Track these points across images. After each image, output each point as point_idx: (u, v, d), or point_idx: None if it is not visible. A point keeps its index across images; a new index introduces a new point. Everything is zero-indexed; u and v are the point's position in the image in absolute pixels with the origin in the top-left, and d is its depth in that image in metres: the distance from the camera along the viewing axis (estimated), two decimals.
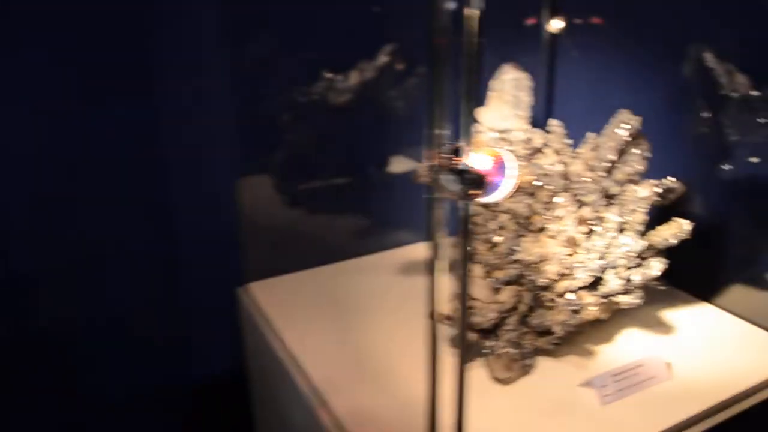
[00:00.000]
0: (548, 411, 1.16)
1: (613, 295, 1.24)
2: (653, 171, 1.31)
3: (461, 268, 0.83)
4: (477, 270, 1.26)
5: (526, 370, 1.27)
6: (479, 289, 1.25)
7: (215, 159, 1.52)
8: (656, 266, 1.25)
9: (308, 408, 1.20)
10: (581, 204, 1.26)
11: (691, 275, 1.52)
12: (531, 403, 1.19)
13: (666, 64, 1.47)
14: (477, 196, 0.77)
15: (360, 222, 1.76)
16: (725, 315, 1.46)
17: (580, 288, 1.23)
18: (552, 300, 1.24)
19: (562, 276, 1.24)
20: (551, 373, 1.27)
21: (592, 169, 1.29)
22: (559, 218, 1.26)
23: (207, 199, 1.55)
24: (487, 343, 1.27)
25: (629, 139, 1.30)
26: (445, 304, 1.07)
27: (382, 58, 1.58)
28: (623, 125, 1.30)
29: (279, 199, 1.61)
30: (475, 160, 0.79)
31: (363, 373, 1.27)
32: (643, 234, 1.26)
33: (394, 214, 1.74)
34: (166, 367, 1.64)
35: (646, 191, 1.24)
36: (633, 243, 1.22)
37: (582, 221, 1.22)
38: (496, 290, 1.25)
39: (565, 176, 1.26)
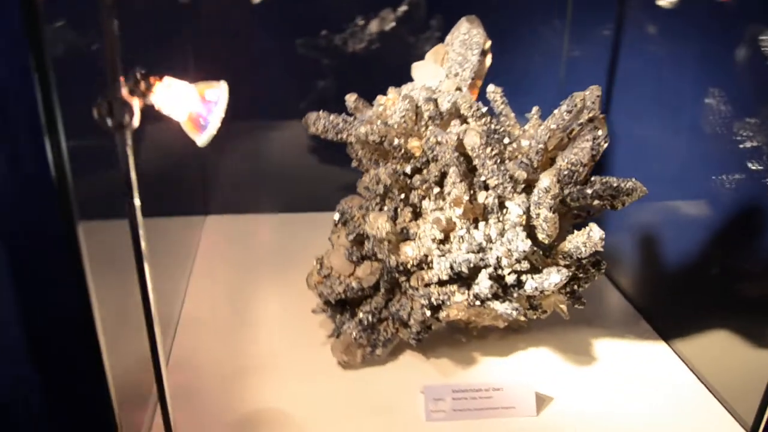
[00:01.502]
0: (364, 409, 1.05)
1: (486, 299, 1.06)
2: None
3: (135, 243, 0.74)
4: (343, 238, 1.14)
5: (372, 359, 1.15)
6: (338, 258, 1.13)
7: None
8: (554, 277, 1.05)
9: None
10: (487, 187, 1.09)
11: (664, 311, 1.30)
12: (354, 394, 1.08)
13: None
14: (125, 128, 0.68)
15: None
16: (675, 362, 1.21)
17: (443, 282, 1.07)
18: (415, 289, 1.09)
19: (422, 264, 1.07)
20: (400, 371, 1.14)
21: (515, 149, 1.12)
22: (440, 196, 1.09)
23: None
24: (339, 318, 1.15)
25: (584, 122, 1.10)
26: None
27: None
28: (571, 105, 1.10)
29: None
30: (174, 93, 0.74)
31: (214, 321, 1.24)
32: (553, 239, 1.07)
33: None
34: None
35: (547, 182, 1.03)
36: (518, 242, 1.02)
37: (458, 203, 1.05)
38: (356, 264, 1.12)
39: (463, 150, 1.08)
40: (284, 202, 1.64)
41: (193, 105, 0.79)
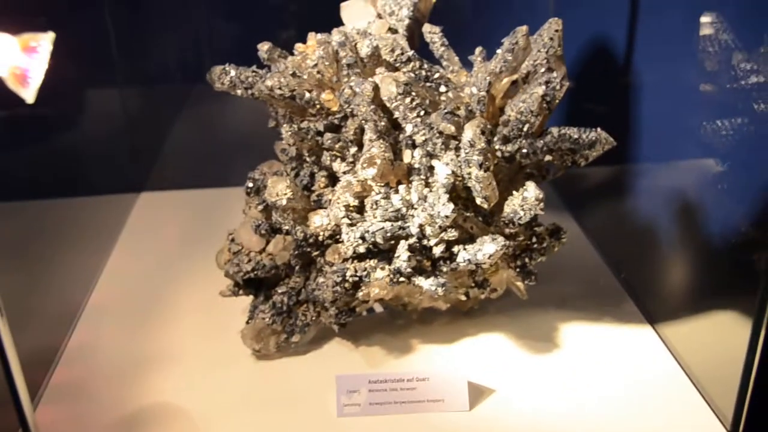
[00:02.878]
0: (268, 403, 0.95)
1: (409, 275, 0.92)
2: None
3: None
4: (254, 209, 1.02)
5: (288, 347, 1.04)
6: (248, 232, 1.01)
7: None
8: (488, 248, 0.91)
9: None
10: (414, 145, 0.95)
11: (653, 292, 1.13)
12: (262, 386, 0.98)
13: None
14: None
15: None
16: (659, 349, 1.05)
17: (362, 256, 0.94)
18: (330, 265, 0.97)
19: (337, 236, 0.95)
20: (321, 360, 1.02)
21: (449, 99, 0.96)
22: (357, 157, 0.96)
23: None
24: (253, 302, 1.04)
25: (543, 64, 0.95)
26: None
27: None
28: (512, 44, 0.95)
29: None
30: None
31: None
32: (492, 203, 0.93)
33: None
34: None
35: (470, 134, 0.89)
36: (439, 206, 0.88)
37: (371, 163, 0.91)
38: (267, 238, 1.00)
39: (382, 102, 0.95)
40: (226, 175, 1.52)
41: (14, 58, 0.72)
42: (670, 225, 1.11)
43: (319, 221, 0.95)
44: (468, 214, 0.94)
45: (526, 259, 1.00)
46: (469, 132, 0.90)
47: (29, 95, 0.73)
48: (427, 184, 0.93)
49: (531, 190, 0.91)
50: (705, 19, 0.98)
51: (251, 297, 1.03)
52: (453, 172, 0.92)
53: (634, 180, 1.25)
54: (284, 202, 0.94)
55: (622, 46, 1.24)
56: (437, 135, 0.94)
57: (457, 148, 0.93)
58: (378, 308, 1.11)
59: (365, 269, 0.94)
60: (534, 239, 1.00)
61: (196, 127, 1.57)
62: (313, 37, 1.03)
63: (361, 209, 0.95)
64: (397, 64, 0.97)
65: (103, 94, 1.45)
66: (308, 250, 0.98)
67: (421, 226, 0.91)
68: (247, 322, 1.03)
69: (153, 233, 1.39)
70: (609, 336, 1.06)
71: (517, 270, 1.01)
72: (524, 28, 0.95)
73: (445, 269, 0.93)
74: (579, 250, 1.29)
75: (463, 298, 1.01)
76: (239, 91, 1.02)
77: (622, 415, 0.91)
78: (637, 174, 1.25)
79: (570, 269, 1.19)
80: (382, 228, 0.91)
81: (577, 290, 1.16)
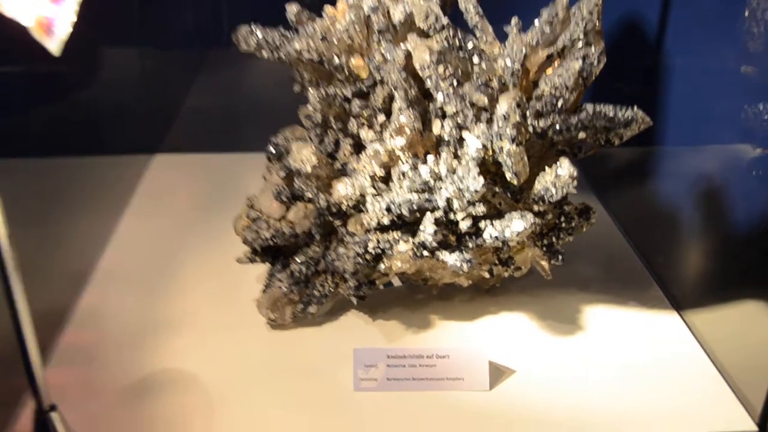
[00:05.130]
0: (283, 373, 0.95)
1: (433, 249, 0.92)
2: None
3: None
4: (276, 175, 1.01)
5: (305, 318, 1.04)
6: (268, 198, 1.01)
7: None
8: (517, 225, 0.90)
9: None
10: (444, 115, 0.95)
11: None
12: (276, 357, 0.98)
13: None
14: None
15: None
16: (685, 335, 1.05)
17: (385, 228, 0.94)
18: (352, 235, 0.96)
19: (361, 206, 0.96)
20: (338, 333, 1.03)
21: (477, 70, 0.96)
22: (386, 126, 0.96)
23: None
24: (270, 270, 1.04)
25: (581, 38, 0.94)
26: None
27: None
28: (551, 16, 0.94)
29: None
30: None
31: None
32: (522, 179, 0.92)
33: None
34: None
35: (504, 107, 0.88)
36: (469, 180, 0.88)
37: (401, 132, 0.91)
38: (288, 205, 1.00)
39: (414, 70, 0.94)
40: (245, 140, 1.50)
41: (41, 7, 0.71)
42: (698, 210, 1.10)
43: (343, 190, 0.95)
44: (497, 190, 0.94)
45: (553, 239, 1.00)
46: (504, 104, 0.89)
47: (54, 46, 0.72)
48: (456, 156, 0.92)
49: (565, 167, 0.90)
50: None
51: (268, 265, 1.03)
52: (484, 145, 0.91)
53: (663, 163, 1.25)
54: (308, 168, 0.94)
55: (655, 23, 1.23)
56: (469, 106, 0.93)
57: (488, 121, 0.92)
58: (397, 282, 1.10)
59: (388, 241, 0.94)
60: (562, 218, 1.00)
61: (215, 90, 1.56)
62: (343, 1, 1.01)
63: (387, 179, 0.95)
64: (431, 32, 0.96)
65: (122, 53, 1.44)
66: (330, 219, 0.98)
67: (448, 199, 0.91)
68: (264, 291, 1.02)
69: (167, 196, 1.39)
70: (633, 320, 1.06)
71: (543, 249, 1.00)
72: (564, 0, 0.94)
73: (470, 245, 0.94)
74: (604, 232, 1.28)
75: (487, 275, 1.01)
76: (265, 54, 1.01)
77: (645, 400, 0.91)
78: (666, 157, 1.24)
79: (595, 251, 1.19)
80: (409, 200, 0.91)
81: (601, 272, 1.16)
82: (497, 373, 0.94)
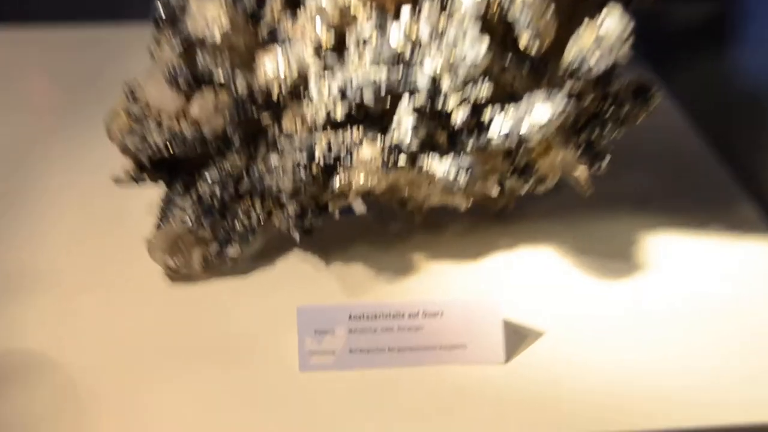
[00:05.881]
0: (185, 351, 0.95)
1: (414, 153, 0.94)
2: None
3: None
4: (168, 49, 1.01)
5: (220, 264, 1.05)
6: (158, 85, 1.02)
7: None
8: (540, 112, 0.91)
9: None
10: None
11: None
12: (175, 324, 0.98)
13: None
14: None
15: None
16: None
17: (338, 123, 0.95)
18: (289, 136, 0.98)
19: (301, 91, 0.97)
20: (276, 288, 1.03)
21: None
22: None
23: None
24: (166, 195, 1.05)
25: None
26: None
27: None
28: None
29: None
30: None
31: None
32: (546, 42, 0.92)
33: None
34: None
35: None
36: (466, 45, 0.89)
37: None
38: (189, 94, 1.01)
39: None
40: (116, 4, 1.52)
41: None
42: None
43: (272, 67, 0.95)
44: (508, 61, 0.93)
45: (594, 134, 1.00)
46: None
47: None
48: (444, 9, 0.92)
49: (614, 19, 0.89)
50: None
51: (163, 187, 1.04)
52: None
53: (756, 22, 1.26)
54: (218, 35, 0.94)
55: None
56: None
57: None
58: (360, 208, 1.13)
59: (345, 144, 0.94)
60: (607, 103, 1.00)
61: None
62: None
63: (339, 49, 0.96)
64: None
65: None
66: (255, 113, 0.98)
67: (434, 77, 0.90)
68: (158, 226, 1.04)
69: (6, 87, 1.39)
70: (715, 253, 1.08)
71: (580, 150, 1.00)
72: None
73: (469, 146, 0.94)
74: (668, 125, 1.31)
75: (495, 192, 1.02)
76: None
77: (734, 365, 0.92)
78: (760, 14, 1.26)
79: (655, 153, 1.22)
80: (373, 79, 0.91)
81: (665, 184, 1.19)
82: (515, 338, 0.94)
